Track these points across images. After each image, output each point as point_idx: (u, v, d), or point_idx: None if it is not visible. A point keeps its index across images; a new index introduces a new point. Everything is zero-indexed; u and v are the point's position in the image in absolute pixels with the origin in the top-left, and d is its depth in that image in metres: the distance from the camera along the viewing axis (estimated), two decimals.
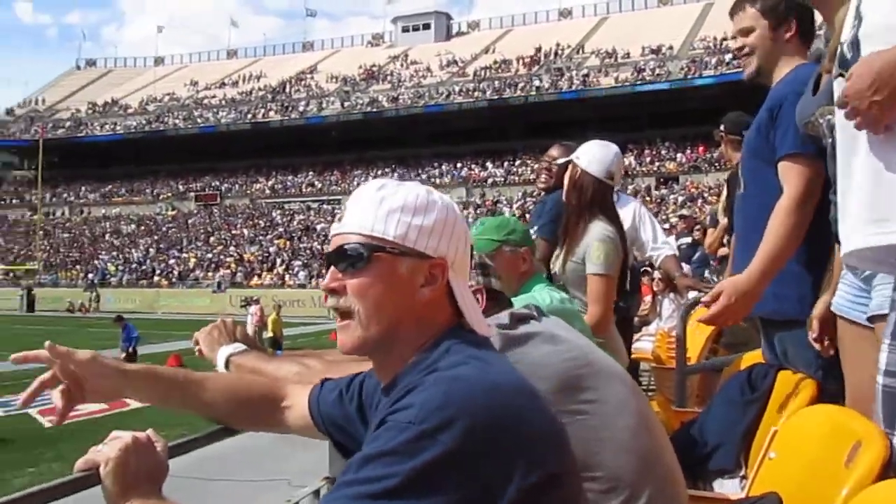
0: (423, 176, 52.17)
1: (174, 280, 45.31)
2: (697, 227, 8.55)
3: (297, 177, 56.75)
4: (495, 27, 70.28)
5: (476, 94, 52.83)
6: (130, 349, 15.67)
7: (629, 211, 4.48)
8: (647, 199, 39.55)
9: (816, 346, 2.21)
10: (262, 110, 59.02)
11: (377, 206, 1.19)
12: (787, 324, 2.49)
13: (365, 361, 1.31)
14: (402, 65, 63.72)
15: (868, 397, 1.73)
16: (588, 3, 68.65)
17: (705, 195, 38.83)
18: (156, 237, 52.88)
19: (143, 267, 47.82)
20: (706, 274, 7.20)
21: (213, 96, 64.78)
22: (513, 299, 2.19)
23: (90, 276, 47.28)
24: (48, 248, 53.65)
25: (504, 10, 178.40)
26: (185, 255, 48.43)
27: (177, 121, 60.53)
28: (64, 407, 1.44)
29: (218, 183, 58.28)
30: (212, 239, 50.29)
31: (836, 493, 1.46)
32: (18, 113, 68.22)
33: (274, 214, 52.65)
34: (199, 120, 60.06)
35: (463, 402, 1.02)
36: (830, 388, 2.23)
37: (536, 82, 52.12)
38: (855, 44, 1.61)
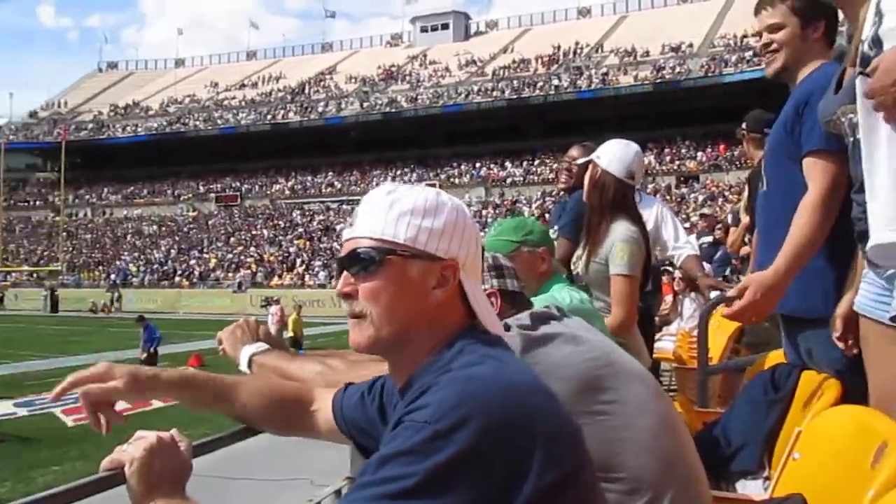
0: (442, 176, 52.22)
1: (195, 280, 45.64)
2: (719, 225, 8.49)
3: (316, 177, 56.96)
4: (514, 26, 70.12)
5: (495, 93, 52.76)
6: (152, 349, 15.79)
7: (652, 212, 4.45)
8: (668, 197, 39.34)
9: (840, 345, 2.19)
10: (282, 111, 59.28)
11: (387, 209, 1.20)
12: (812, 322, 2.46)
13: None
14: (420, 65, 63.76)
15: (892, 397, 1.71)
16: (607, 1, 68.38)
17: (726, 194, 38.58)
18: (177, 238, 53.27)
19: (165, 267, 48.20)
20: (727, 273, 7.15)
21: (233, 97, 65.15)
22: (533, 299, 2.19)
23: (112, 276, 47.72)
24: (71, 249, 54.19)
25: (523, 9, 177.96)
26: (205, 255, 48.75)
27: (197, 122, 60.93)
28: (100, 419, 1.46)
29: (238, 184, 58.62)
30: (232, 239, 50.59)
31: (862, 494, 1.45)
32: (41, 115, 68.98)
33: (294, 215, 52.88)
34: (219, 121, 60.42)
35: (478, 401, 1.02)
36: (855, 389, 2.21)
37: (555, 81, 51.95)
38: (876, 41, 1.60)
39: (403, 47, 70.72)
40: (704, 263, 6.08)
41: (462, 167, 52.79)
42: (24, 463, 9.76)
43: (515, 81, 53.60)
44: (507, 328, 1.55)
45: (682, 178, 44.85)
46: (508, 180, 50.12)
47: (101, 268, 50.45)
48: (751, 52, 42.48)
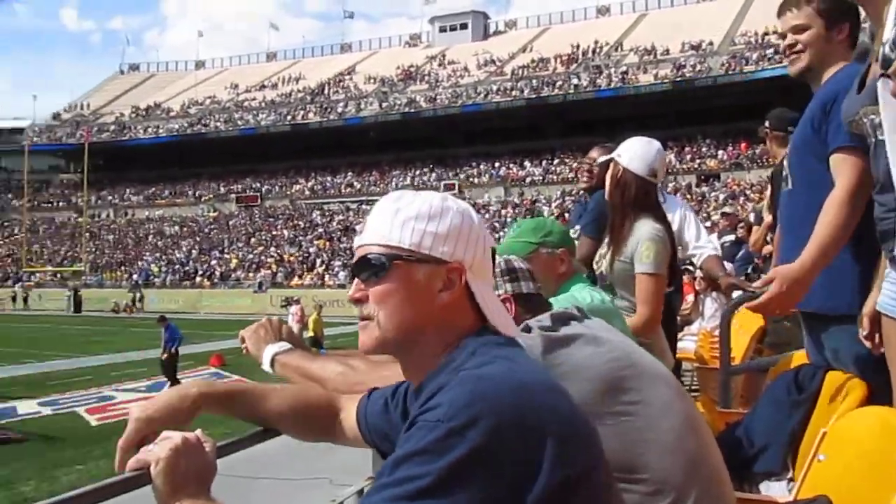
0: (462, 176, 52.24)
1: (216, 281, 45.94)
2: (741, 224, 8.43)
3: (336, 178, 57.16)
4: (533, 26, 70.00)
5: (514, 93, 52.69)
6: (173, 349, 15.89)
7: (676, 216, 4.42)
8: (688, 196, 39.12)
9: (867, 344, 2.17)
10: (302, 112, 59.53)
11: (393, 216, 1.24)
12: (838, 319, 2.44)
13: None
14: (439, 65, 63.80)
15: None
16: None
17: (747, 192, 38.29)
18: (198, 238, 53.64)
19: (186, 268, 48.54)
20: (750, 272, 7.09)
21: (253, 99, 65.51)
22: (553, 300, 2.18)
23: (134, 277, 48.15)
24: (94, 249, 54.70)
25: (542, 8, 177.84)
26: (226, 255, 49.06)
27: (218, 123, 61.32)
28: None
29: (258, 184, 58.95)
30: (252, 240, 50.88)
31: (888, 496, 1.43)
32: (65, 117, 69.70)
33: (314, 215, 53.09)
34: (239, 122, 60.78)
35: (489, 400, 1.03)
36: (880, 390, 2.19)
37: (575, 80, 51.79)
38: None
39: (422, 47, 70.79)
40: (726, 263, 6.04)
41: (481, 167, 52.77)
42: (49, 462, 9.87)
43: (534, 81, 53.48)
44: (528, 329, 1.55)
45: (702, 177, 44.57)
46: (528, 180, 50.06)
47: (123, 268, 50.91)
48: (772, 50, 42.14)
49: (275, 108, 61.42)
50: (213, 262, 48.43)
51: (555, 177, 48.79)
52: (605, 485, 1.14)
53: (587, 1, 71.35)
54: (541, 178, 49.62)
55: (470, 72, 59.53)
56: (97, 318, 38.31)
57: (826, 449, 1.94)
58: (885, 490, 1.46)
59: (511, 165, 51.87)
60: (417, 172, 54.31)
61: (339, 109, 58.49)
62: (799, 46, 2.66)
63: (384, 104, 57.08)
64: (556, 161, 50.62)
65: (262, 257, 47.25)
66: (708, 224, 20.16)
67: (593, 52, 56.84)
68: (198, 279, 46.65)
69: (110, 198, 63.19)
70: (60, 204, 63.76)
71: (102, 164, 62.17)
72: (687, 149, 46.69)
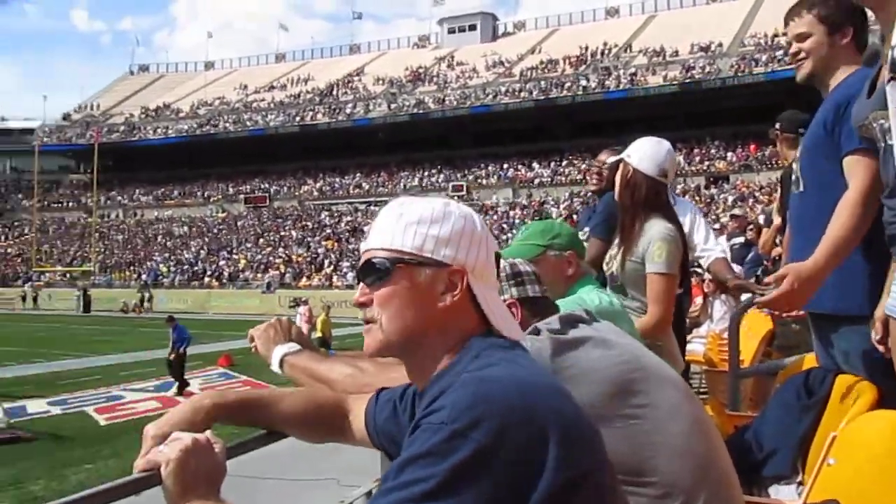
0: (470, 177, 52.24)
1: (224, 281, 46.06)
2: (750, 226, 8.40)
3: (344, 178, 57.25)
4: (541, 27, 69.96)
5: (522, 94, 52.67)
6: (181, 350, 15.91)
7: (686, 220, 4.40)
8: (697, 198, 39.04)
9: (880, 348, 2.16)
10: (310, 113, 59.66)
11: (396, 221, 1.27)
12: (849, 320, 2.44)
13: None
14: (448, 66, 63.83)
15: None
16: (635, 1, 67.95)
17: (756, 194, 38.18)
18: (207, 239, 53.79)
19: (195, 268, 48.67)
20: (759, 274, 7.07)
21: (262, 99, 65.69)
22: (560, 301, 2.18)
23: (143, 277, 48.32)
24: (103, 249, 54.92)
25: (550, 9, 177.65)
26: (235, 256, 49.19)
27: (227, 124, 61.51)
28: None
29: (267, 185, 59.10)
30: (261, 240, 50.99)
31: None
32: (75, 118, 70.01)
33: (322, 216, 53.17)
34: (248, 123, 60.94)
35: (492, 402, 1.04)
36: (890, 393, 2.18)
37: (583, 82, 51.74)
38: None
39: (431, 49, 70.85)
40: (736, 265, 6.02)
41: (489, 168, 52.76)
42: (58, 461, 9.91)
43: (543, 82, 53.47)
44: (538, 332, 1.55)
45: (711, 179, 44.45)
46: (536, 181, 50.02)
47: (132, 268, 51.09)
48: (781, 51, 41.98)
49: (284, 109, 61.57)
50: (222, 263, 48.56)
51: (563, 178, 48.73)
52: (610, 487, 1.15)
53: (596, 2, 71.54)
54: (549, 179, 49.57)
55: (478, 73, 59.54)
56: (106, 318, 38.45)
57: (836, 453, 1.93)
58: None
59: (519, 167, 51.85)
60: (426, 173, 54.35)
61: (348, 110, 58.59)
62: (802, 54, 2.69)
63: (393, 105, 57.15)
64: (564, 162, 50.58)
65: (271, 258, 47.35)
66: (717, 226, 20.12)
67: (602, 53, 56.78)
68: (206, 279, 46.77)
69: (120, 198, 63.43)
70: (70, 204, 64.05)
71: (112, 165, 62.45)
72: (696, 150, 46.58)
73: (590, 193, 4.50)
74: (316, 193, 56.73)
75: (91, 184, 57.57)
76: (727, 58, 48.32)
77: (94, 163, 55.77)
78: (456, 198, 48.77)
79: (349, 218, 51.71)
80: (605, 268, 3.32)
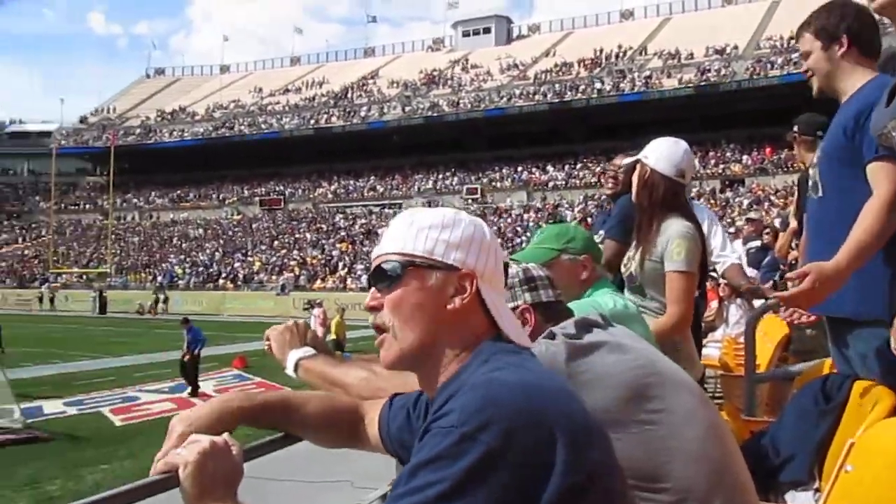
0: (484, 180, 52.23)
1: (239, 283, 46.22)
2: (767, 230, 8.34)
3: (358, 181, 57.37)
4: (556, 30, 69.91)
5: (537, 97, 52.63)
6: (195, 352, 15.97)
7: (704, 226, 4.38)
8: (712, 202, 38.84)
9: None
10: (325, 116, 59.84)
11: (407, 227, 1.30)
12: (869, 324, 2.42)
13: None
14: (462, 69, 63.86)
15: None
16: (650, 3, 67.81)
17: (772, 198, 37.96)
18: (222, 241, 54.01)
19: (210, 270, 48.88)
20: (776, 278, 7.02)
21: (277, 102, 65.96)
22: (575, 304, 2.17)
23: (159, 278, 48.58)
24: (119, 251, 55.26)
25: (565, 12, 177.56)
26: (249, 258, 49.35)
27: (242, 127, 61.79)
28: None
29: (282, 188, 59.32)
30: (276, 243, 51.15)
31: None
32: (91, 121, 70.54)
33: (336, 218, 53.30)
34: (263, 126, 61.19)
35: (500, 405, 1.05)
36: None
37: (598, 85, 51.61)
38: None
39: (445, 52, 70.92)
40: (752, 270, 5.99)
41: (504, 171, 52.73)
42: (74, 461, 9.98)
43: (557, 85, 53.38)
44: (553, 336, 1.54)
45: (726, 182, 44.23)
46: (550, 184, 49.95)
47: (147, 270, 51.37)
48: (797, 54, 41.57)
49: (298, 112, 61.79)
50: (237, 265, 48.74)
51: (578, 181, 48.65)
52: (619, 492, 1.15)
53: (611, 5, 71.41)
54: (563, 182, 49.49)
55: (493, 76, 59.55)
56: (122, 320, 38.69)
57: (854, 459, 1.92)
58: None
59: (534, 170, 51.79)
60: (440, 176, 54.38)
61: (363, 113, 58.72)
62: (809, 72, 2.72)
63: (407, 108, 57.24)
64: (578, 165, 50.49)
65: (285, 260, 47.48)
66: (732, 230, 20.02)
67: (617, 56, 56.64)
68: (221, 281, 46.94)
69: (135, 200, 63.85)
70: (87, 206, 64.52)
71: (128, 167, 62.84)
72: (711, 154, 46.37)
73: (604, 197, 4.49)
74: (330, 196, 56.88)
75: (107, 186, 57.92)
76: (742, 60, 48.08)
77: (111, 165, 56.10)
78: (470, 200, 48.82)
79: (363, 220, 51.79)
80: (622, 269, 3.30)
